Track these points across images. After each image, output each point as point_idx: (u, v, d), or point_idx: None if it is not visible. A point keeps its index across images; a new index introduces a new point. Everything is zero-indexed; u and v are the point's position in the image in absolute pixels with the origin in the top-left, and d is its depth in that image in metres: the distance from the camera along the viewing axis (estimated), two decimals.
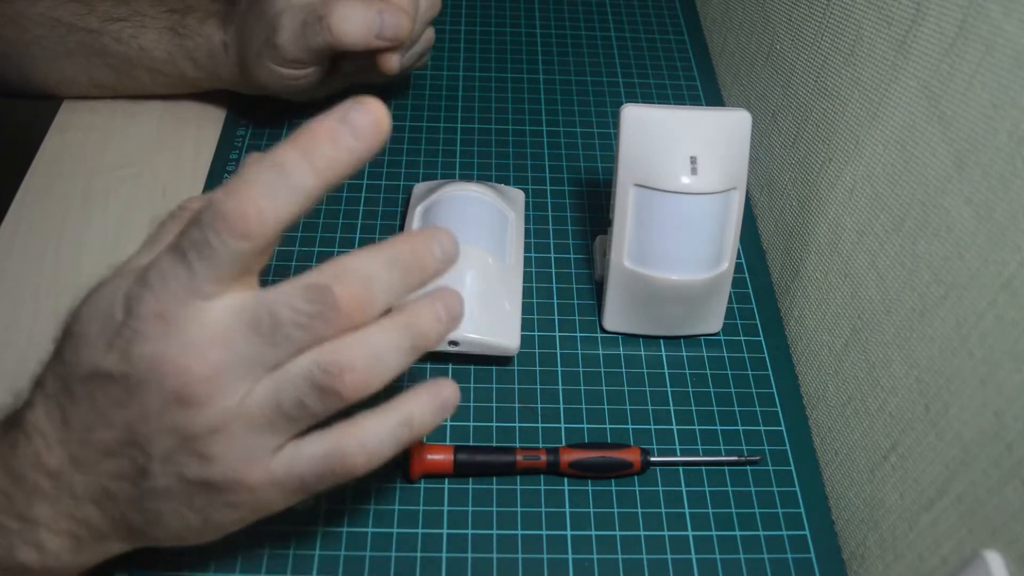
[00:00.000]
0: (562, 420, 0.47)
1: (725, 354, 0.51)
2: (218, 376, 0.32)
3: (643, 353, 0.51)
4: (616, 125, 0.46)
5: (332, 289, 0.32)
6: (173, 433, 0.33)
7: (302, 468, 0.34)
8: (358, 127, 0.31)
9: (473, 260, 0.48)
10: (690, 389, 0.49)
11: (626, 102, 0.47)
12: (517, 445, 0.46)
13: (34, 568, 0.35)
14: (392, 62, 0.54)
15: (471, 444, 0.46)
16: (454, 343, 0.47)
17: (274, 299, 0.32)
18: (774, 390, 0.49)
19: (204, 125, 0.61)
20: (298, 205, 0.31)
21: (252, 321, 0.32)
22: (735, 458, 0.46)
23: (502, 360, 0.49)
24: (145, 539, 0.36)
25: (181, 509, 0.34)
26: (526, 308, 0.52)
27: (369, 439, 0.34)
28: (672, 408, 0.48)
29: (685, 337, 0.51)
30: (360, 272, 0.33)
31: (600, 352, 0.50)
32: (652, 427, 0.47)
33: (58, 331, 0.35)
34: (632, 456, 0.44)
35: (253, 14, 0.53)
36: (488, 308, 0.47)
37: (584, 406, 0.48)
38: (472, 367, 0.49)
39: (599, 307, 0.52)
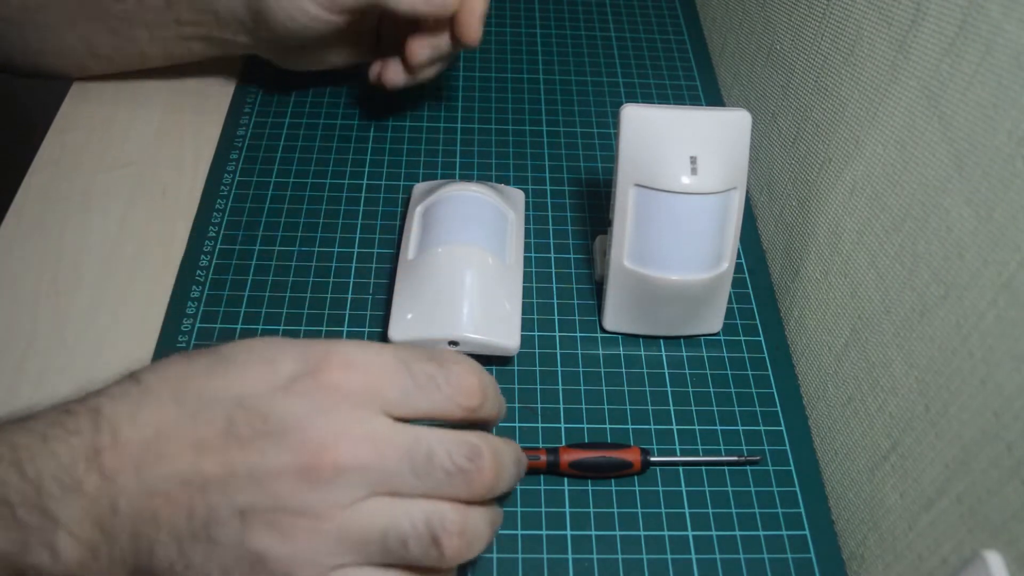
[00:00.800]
0: (562, 420, 0.47)
1: (725, 354, 0.51)
2: (351, 472, 0.32)
3: (643, 353, 0.51)
4: (616, 125, 0.46)
5: (484, 455, 0.34)
6: (271, 494, 0.32)
7: None
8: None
9: (473, 260, 0.48)
10: (690, 389, 0.49)
11: (626, 102, 0.47)
12: None
13: (43, 573, 0.32)
14: (472, 31, 0.54)
15: None
16: (454, 343, 0.47)
17: (435, 439, 0.33)
18: (774, 390, 0.49)
19: (204, 125, 0.61)
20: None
21: (409, 447, 0.33)
22: (735, 458, 0.46)
23: (502, 360, 0.49)
24: None
25: (214, 570, 0.32)
26: (526, 308, 0.52)
27: None
28: (672, 408, 0.48)
29: (685, 337, 0.51)
30: (500, 453, 0.35)
31: (600, 352, 0.50)
32: (652, 427, 0.47)
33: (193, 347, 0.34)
34: (632, 456, 0.44)
35: None
36: (488, 308, 0.47)
37: (584, 406, 0.48)
38: None
39: (599, 307, 0.52)
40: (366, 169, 0.59)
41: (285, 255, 0.54)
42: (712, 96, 0.66)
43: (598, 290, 0.53)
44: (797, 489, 0.46)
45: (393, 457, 0.33)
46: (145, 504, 0.32)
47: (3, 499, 0.31)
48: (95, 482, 0.32)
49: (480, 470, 0.34)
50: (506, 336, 0.47)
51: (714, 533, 0.44)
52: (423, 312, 0.47)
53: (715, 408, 0.48)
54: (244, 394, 0.33)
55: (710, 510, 0.44)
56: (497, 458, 0.34)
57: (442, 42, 0.55)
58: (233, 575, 0.32)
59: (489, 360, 0.49)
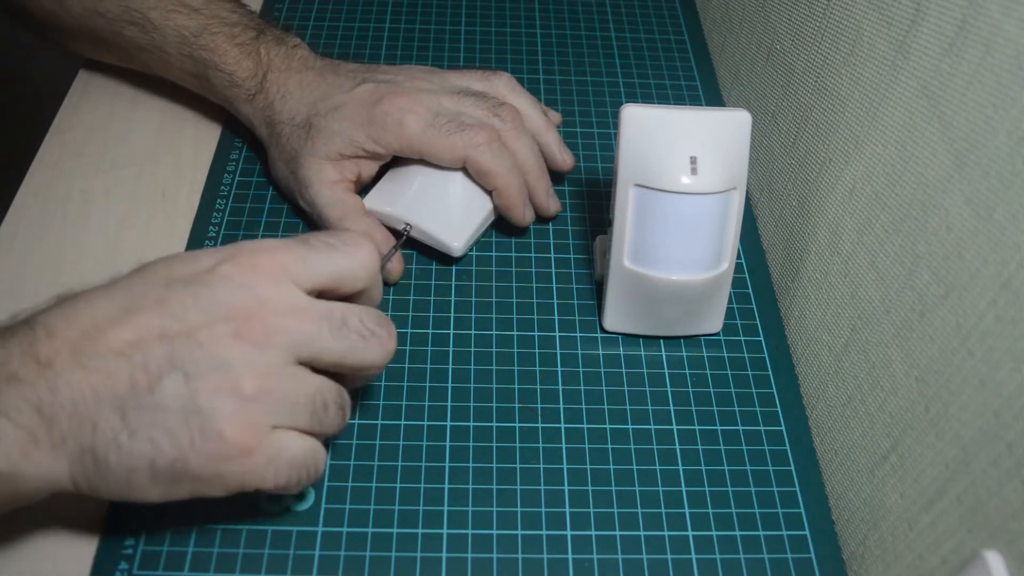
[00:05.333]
0: (562, 420, 0.47)
1: (725, 354, 0.51)
2: (279, 335, 0.36)
3: (643, 353, 0.51)
4: (616, 125, 0.46)
5: (389, 321, 0.40)
6: (212, 354, 0.35)
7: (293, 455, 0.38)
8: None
9: (456, 174, 0.53)
10: (690, 389, 0.49)
11: (626, 102, 0.47)
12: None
13: None
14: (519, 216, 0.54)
15: None
16: (408, 225, 0.52)
17: (345, 308, 0.39)
18: (774, 390, 0.49)
19: (204, 125, 0.61)
20: None
21: (325, 314, 0.38)
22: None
23: (448, 259, 0.53)
24: (96, 468, 0.35)
25: (159, 435, 0.35)
26: (526, 308, 0.52)
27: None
28: (672, 408, 0.48)
29: (685, 337, 0.51)
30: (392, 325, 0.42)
31: (600, 352, 0.50)
32: (652, 427, 0.47)
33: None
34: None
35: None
36: (450, 211, 0.52)
37: (584, 406, 0.48)
38: (472, 367, 0.49)
39: (599, 307, 0.52)
40: None
41: None
42: (712, 96, 0.66)
43: (598, 290, 0.53)
44: (797, 489, 0.46)
45: (312, 321, 0.37)
46: (84, 382, 0.35)
47: None
48: (31, 370, 0.34)
49: (389, 335, 0.39)
50: (452, 236, 0.52)
51: (714, 533, 0.44)
52: (399, 193, 0.53)
53: (715, 408, 0.48)
54: (172, 279, 0.37)
55: (710, 510, 0.44)
56: (393, 327, 0.40)
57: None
58: (179, 436, 0.35)
59: (435, 255, 0.54)
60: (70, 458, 0.35)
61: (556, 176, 0.60)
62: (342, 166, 0.52)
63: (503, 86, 0.56)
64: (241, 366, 0.35)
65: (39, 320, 0.36)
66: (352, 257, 0.39)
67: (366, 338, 0.38)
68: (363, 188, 0.54)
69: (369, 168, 0.53)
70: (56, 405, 0.34)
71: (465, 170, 0.52)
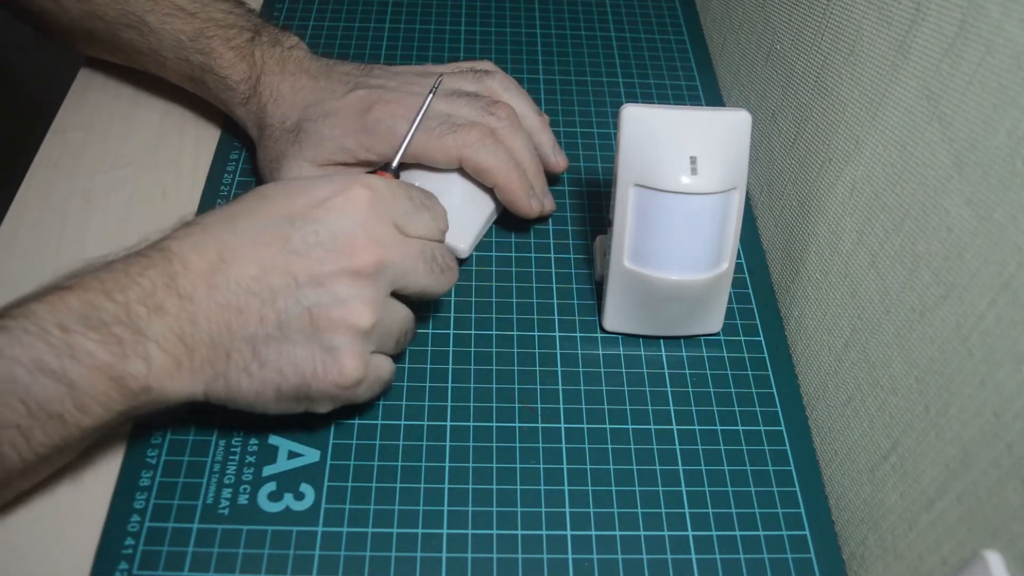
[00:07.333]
0: (562, 420, 0.47)
1: (725, 354, 0.51)
2: (386, 268, 0.41)
3: (643, 353, 0.51)
4: (616, 125, 0.46)
5: (454, 261, 0.46)
6: (331, 292, 0.39)
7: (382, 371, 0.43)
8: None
9: (455, 176, 0.53)
10: (690, 389, 0.49)
11: (626, 102, 0.47)
12: None
13: (139, 379, 0.38)
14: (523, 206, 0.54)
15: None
16: None
17: (433, 245, 0.44)
18: (774, 390, 0.49)
19: (204, 125, 0.61)
20: None
21: (422, 249, 0.43)
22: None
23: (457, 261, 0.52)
24: (228, 389, 0.40)
25: (287, 366, 0.39)
26: (526, 308, 0.52)
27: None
28: (672, 408, 0.48)
29: (685, 337, 0.51)
30: None
31: (600, 352, 0.50)
32: (652, 427, 0.47)
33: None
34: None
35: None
36: (455, 213, 0.50)
37: (584, 406, 0.48)
38: (472, 367, 0.49)
39: (599, 307, 0.52)
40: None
41: None
42: (712, 96, 0.66)
43: (598, 290, 0.53)
44: (797, 489, 0.46)
45: (412, 257, 0.42)
46: (219, 317, 0.39)
47: (99, 320, 0.37)
48: (175, 303, 0.38)
49: (456, 268, 0.45)
50: (458, 238, 0.51)
51: (714, 533, 0.44)
52: None
53: (715, 408, 0.48)
54: (292, 215, 0.40)
55: (710, 510, 0.44)
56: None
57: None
58: (304, 367, 0.40)
59: None
60: (206, 380, 0.39)
61: (554, 176, 0.60)
62: (325, 171, 0.52)
63: (497, 85, 0.55)
64: (357, 302, 0.39)
65: (173, 251, 0.39)
66: (437, 219, 0.44)
67: (444, 271, 0.44)
68: None
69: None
70: (196, 336, 0.39)
71: (464, 170, 0.52)
